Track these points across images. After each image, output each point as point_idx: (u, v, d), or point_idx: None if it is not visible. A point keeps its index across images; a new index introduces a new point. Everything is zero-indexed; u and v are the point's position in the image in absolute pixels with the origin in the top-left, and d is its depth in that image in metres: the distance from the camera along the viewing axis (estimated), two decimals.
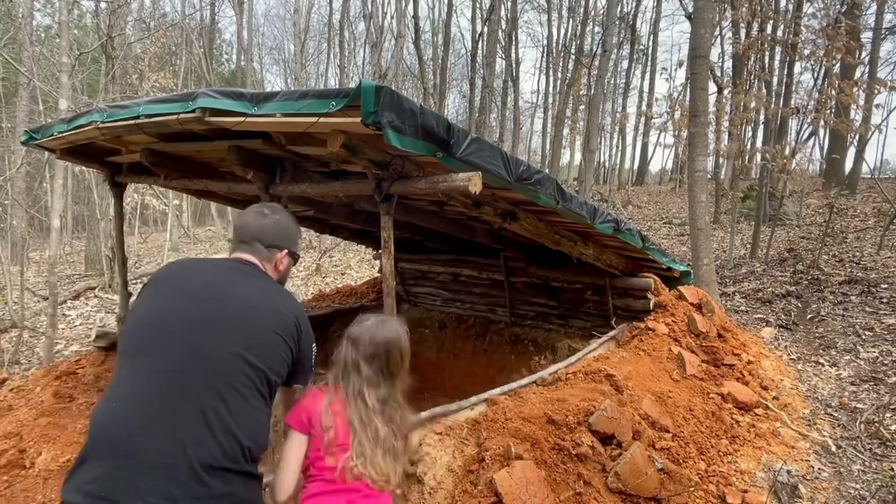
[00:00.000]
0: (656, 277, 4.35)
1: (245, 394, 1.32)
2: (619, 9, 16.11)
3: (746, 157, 9.35)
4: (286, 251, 1.68)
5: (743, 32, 9.61)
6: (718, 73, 11.28)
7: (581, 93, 20.60)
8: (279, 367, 1.43)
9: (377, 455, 1.45)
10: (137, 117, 2.73)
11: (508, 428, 2.52)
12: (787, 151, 8.45)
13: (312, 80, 24.93)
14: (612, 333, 4.08)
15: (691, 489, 2.62)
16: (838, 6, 8.71)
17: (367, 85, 1.88)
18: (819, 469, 3.08)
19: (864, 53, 12.39)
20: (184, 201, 18.20)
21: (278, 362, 1.43)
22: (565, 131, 21.52)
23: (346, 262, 13.36)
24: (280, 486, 1.47)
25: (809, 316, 5.53)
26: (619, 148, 24.03)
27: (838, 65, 8.49)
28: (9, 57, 9.47)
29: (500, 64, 21.18)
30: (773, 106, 9.39)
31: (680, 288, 4.44)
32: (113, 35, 9.58)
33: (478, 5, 17.77)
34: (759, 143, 12.05)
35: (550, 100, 22.79)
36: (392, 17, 17.57)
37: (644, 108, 23.02)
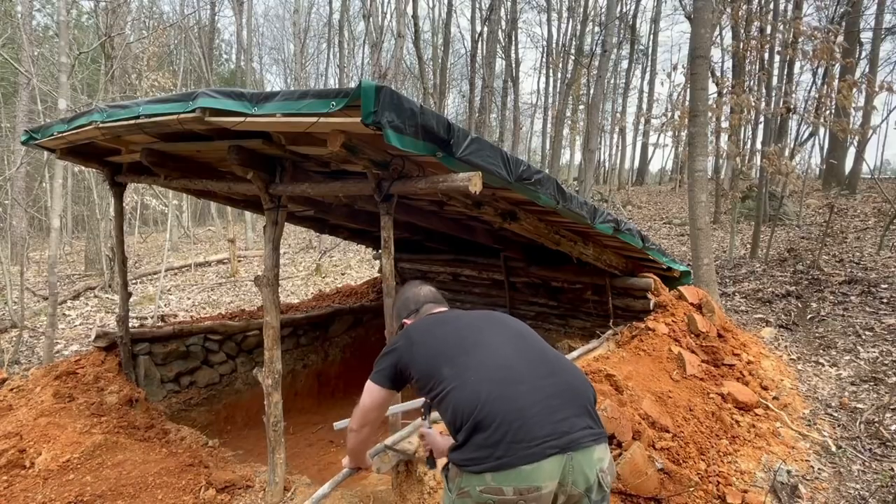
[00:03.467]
0: (656, 277, 4.35)
1: None
2: (618, 9, 16.12)
3: (746, 158, 9.35)
4: None
5: (742, 33, 9.60)
6: (718, 74, 11.28)
7: (581, 93, 20.60)
8: None
9: None
10: (137, 117, 2.73)
11: None
12: (786, 152, 8.46)
13: (312, 79, 24.93)
14: (607, 334, 4.07)
15: (691, 489, 2.62)
16: (834, 7, 8.72)
17: (367, 85, 1.87)
18: (819, 469, 3.08)
19: (863, 53, 12.41)
20: (184, 201, 18.20)
21: None
22: (565, 131, 21.52)
23: (346, 262, 13.36)
24: None
25: (809, 316, 5.53)
26: (619, 148, 24.05)
27: (837, 65, 8.48)
28: (8, 57, 9.46)
29: (499, 64, 21.23)
30: (771, 106, 9.40)
31: (680, 288, 4.44)
32: (112, 35, 9.58)
33: (478, 5, 17.78)
34: (759, 144, 12.04)
35: (550, 100, 22.80)
36: (392, 17, 17.55)
37: (644, 108, 23.05)
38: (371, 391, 1.68)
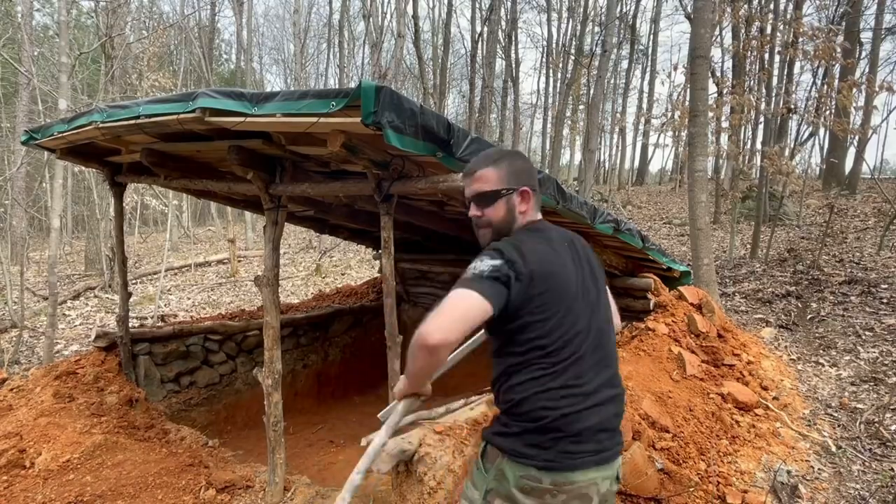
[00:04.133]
0: (656, 277, 4.35)
1: None
2: (618, 9, 16.12)
3: (746, 158, 9.35)
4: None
5: (742, 33, 9.61)
6: (718, 74, 11.29)
7: (581, 93, 20.61)
8: None
9: None
10: (137, 117, 2.73)
11: None
12: (786, 152, 8.46)
13: (312, 80, 24.93)
14: None
15: (691, 489, 2.62)
16: (834, 7, 8.72)
17: (367, 85, 1.88)
18: (819, 469, 3.08)
19: (863, 53, 12.41)
20: (184, 201, 18.20)
21: None
22: (565, 131, 21.51)
23: (346, 262, 13.36)
24: None
25: (809, 316, 5.53)
26: (619, 148, 24.04)
27: (837, 65, 8.48)
28: (8, 57, 9.46)
29: (499, 64, 21.24)
30: (771, 106, 9.39)
31: (680, 288, 4.44)
32: (112, 35, 9.58)
33: (478, 5, 17.78)
34: (759, 144, 12.04)
35: (550, 100, 22.80)
36: (392, 17, 17.56)
37: (644, 108, 23.05)
38: (474, 302, 1.26)
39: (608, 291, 1.65)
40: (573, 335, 1.40)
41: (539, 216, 1.59)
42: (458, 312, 1.25)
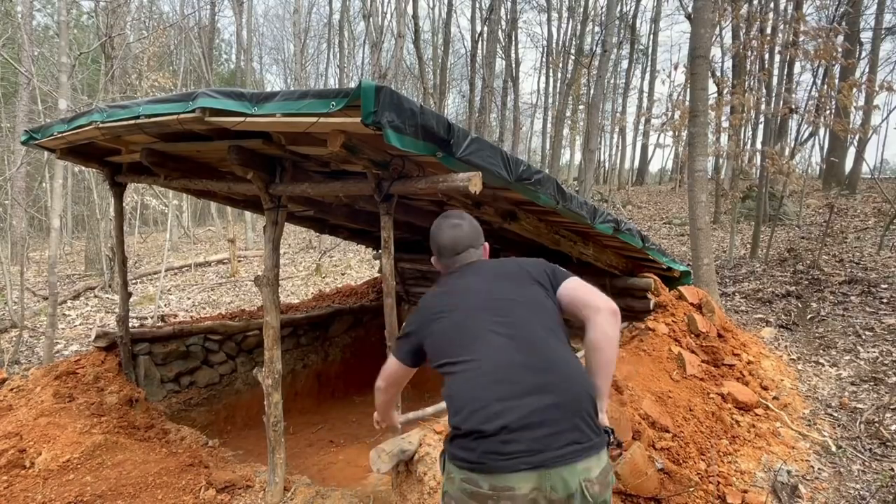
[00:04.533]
0: (656, 277, 4.35)
1: None
2: (618, 9, 16.12)
3: (747, 158, 9.34)
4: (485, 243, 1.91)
5: (742, 32, 9.61)
6: (718, 74, 11.28)
7: (581, 93, 20.61)
8: None
9: None
10: (137, 117, 2.73)
11: None
12: (786, 152, 8.45)
13: (312, 80, 24.92)
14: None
15: (691, 489, 2.62)
16: (834, 7, 8.71)
17: (367, 85, 1.87)
18: (819, 469, 3.08)
19: (863, 53, 12.41)
20: (184, 201, 18.21)
21: None
22: (565, 131, 21.53)
23: (346, 262, 13.36)
24: None
25: (809, 316, 5.53)
26: (619, 148, 24.04)
27: (837, 65, 8.48)
28: (8, 57, 9.46)
29: (499, 64, 21.21)
30: (771, 105, 9.39)
31: (680, 288, 4.44)
32: (112, 35, 9.58)
33: (478, 5, 17.77)
34: (759, 144, 12.04)
35: (550, 100, 22.80)
36: (392, 17, 17.56)
37: (644, 108, 23.05)
38: (389, 363, 1.81)
39: (569, 286, 1.67)
40: (473, 343, 1.53)
41: (454, 268, 1.82)
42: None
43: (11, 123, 11.88)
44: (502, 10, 16.78)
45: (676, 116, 8.90)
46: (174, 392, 4.63)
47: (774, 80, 10.24)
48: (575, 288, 1.65)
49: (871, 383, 4.05)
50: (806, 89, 11.87)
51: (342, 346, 6.12)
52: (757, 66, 10.10)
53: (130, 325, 4.31)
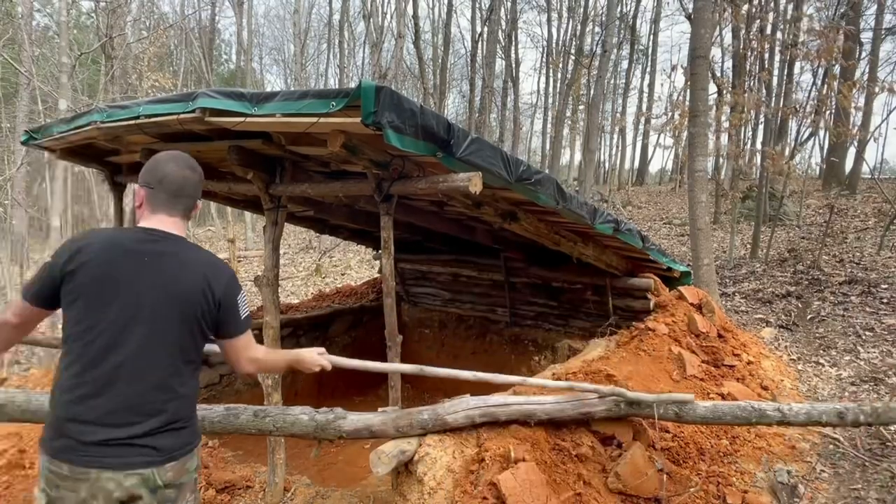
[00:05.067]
0: (656, 278, 4.35)
1: None
2: (618, 9, 16.12)
3: (747, 158, 9.35)
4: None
5: (742, 32, 9.61)
6: (718, 74, 11.29)
7: (581, 93, 20.60)
8: None
9: None
10: (137, 117, 2.73)
11: (508, 428, 2.52)
12: (786, 152, 8.45)
13: (312, 80, 24.93)
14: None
15: (691, 489, 2.62)
16: (834, 7, 8.72)
17: (367, 85, 1.88)
18: (819, 469, 3.08)
19: (863, 54, 12.41)
20: None
21: None
22: (565, 131, 21.52)
23: (346, 262, 13.36)
24: None
25: (809, 316, 5.53)
26: (619, 148, 24.06)
27: (837, 66, 8.48)
28: (8, 57, 9.47)
29: (499, 64, 21.21)
30: (771, 106, 9.39)
31: (680, 288, 4.44)
32: (112, 35, 9.58)
33: (478, 5, 17.78)
34: (759, 144, 12.05)
35: (550, 100, 22.79)
36: (392, 17, 17.57)
37: (644, 108, 23.06)
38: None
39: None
40: (92, 331, 1.47)
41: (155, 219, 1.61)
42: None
43: (12, 123, 11.89)
44: (502, 10, 16.79)
45: (676, 117, 8.90)
46: None
47: (774, 80, 10.25)
48: None
49: (872, 383, 4.05)
50: (805, 89, 11.87)
51: (342, 346, 6.11)
52: (757, 67, 10.10)
53: None
